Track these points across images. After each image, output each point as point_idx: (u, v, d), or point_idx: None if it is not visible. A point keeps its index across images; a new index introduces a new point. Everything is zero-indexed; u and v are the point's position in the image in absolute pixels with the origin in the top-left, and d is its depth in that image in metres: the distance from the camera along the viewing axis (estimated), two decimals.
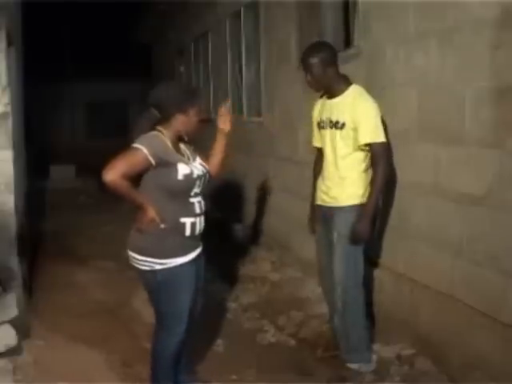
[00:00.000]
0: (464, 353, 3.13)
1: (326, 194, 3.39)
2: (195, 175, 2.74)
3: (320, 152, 3.53)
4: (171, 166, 2.67)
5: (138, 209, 2.69)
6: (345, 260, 3.29)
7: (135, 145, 2.64)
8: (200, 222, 2.80)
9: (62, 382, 3.25)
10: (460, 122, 3.09)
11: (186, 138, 2.88)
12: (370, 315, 3.64)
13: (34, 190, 9.18)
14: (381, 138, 3.19)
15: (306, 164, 4.42)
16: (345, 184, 3.30)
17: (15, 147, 4.42)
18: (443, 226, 3.28)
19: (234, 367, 3.43)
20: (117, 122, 18.37)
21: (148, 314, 2.91)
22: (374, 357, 3.46)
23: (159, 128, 2.75)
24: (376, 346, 3.57)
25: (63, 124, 19.49)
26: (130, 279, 4.71)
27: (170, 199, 2.70)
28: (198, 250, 2.87)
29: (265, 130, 6.08)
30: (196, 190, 2.78)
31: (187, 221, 2.73)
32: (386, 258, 3.88)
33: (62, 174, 11.96)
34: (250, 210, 6.80)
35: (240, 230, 6.72)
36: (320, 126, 3.45)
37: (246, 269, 5.35)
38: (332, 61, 3.28)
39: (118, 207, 5.88)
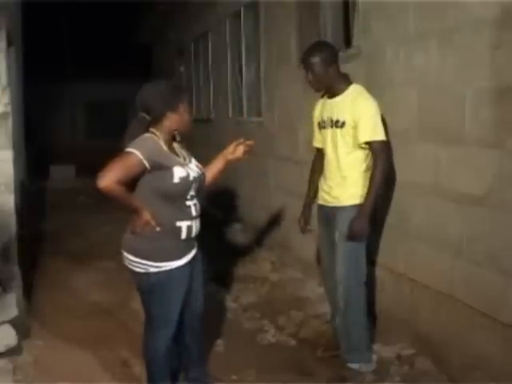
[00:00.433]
0: (464, 353, 3.13)
1: (328, 193, 3.40)
2: (191, 178, 2.70)
3: (319, 152, 3.54)
4: (167, 169, 2.62)
5: (133, 213, 2.66)
6: (347, 259, 3.30)
7: (128, 149, 2.59)
8: (196, 225, 2.78)
9: (61, 381, 3.25)
10: (460, 122, 3.09)
11: (178, 139, 2.84)
12: (370, 315, 3.63)
13: (33, 189, 9.20)
14: (380, 137, 3.19)
15: (305, 164, 4.41)
16: (346, 184, 3.30)
17: (15, 147, 4.42)
18: (443, 225, 3.28)
19: (234, 367, 3.43)
20: (117, 122, 18.33)
21: None
22: (374, 357, 3.46)
23: (152, 130, 2.70)
24: (376, 346, 3.57)
25: (63, 124, 19.52)
26: (129, 279, 4.70)
27: (166, 203, 2.66)
28: (194, 251, 2.85)
29: (265, 129, 6.08)
30: (192, 192, 2.74)
31: (183, 224, 2.70)
32: (385, 257, 3.89)
33: (62, 174, 11.97)
34: (249, 209, 6.81)
35: (240, 229, 6.73)
36: (321, 126, 3.46)
37: (246, 269, 5.34)
38: (333, 60, 3.29)
39: (118, 207, 5.87)
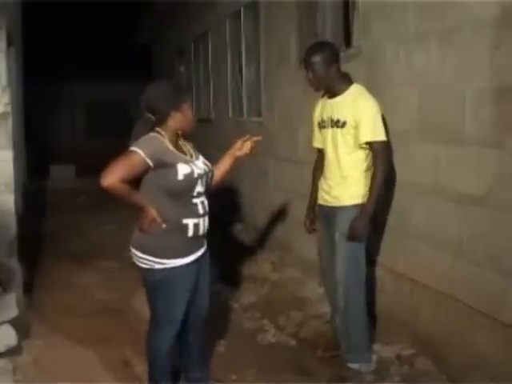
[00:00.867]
0: (464, 353, 3.13)
1: (328, 193, 3.40)
2: (196, 174, 2.71)
3: (321, 153, 3.54)
4: (170, 166, 2.65)
5: (138, 211, 2.68)
6: (347, 260, 3.30)
7: (132, 148, 2.63)
8: (204, 223, 2.79)
9: (61, 381, 3.25)
10: (460, 122, 3.09)
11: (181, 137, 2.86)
12: (370, 315, 3.64)
13: (33, 189, 9.20)
14: (381, 137, 3.19)
15: (305, 164, 4.42)
16: (347, 183, 3.30)
17: (15, 147, 4.42)
18: (443, 225, 3.28)
19: (234, 367, 3.43)
20: (117, 122, 18.38)
21: (148, 313, 2.91)
22: (374, 357, 3.46)
23: (157, 130, 2.74)
24: (376, 346, 3.57)
25: (63, 124, 19.52)
26: (129, 279, 4.72)
27: (172, 200, 2.68)
28: (202, 250, 2.87)
29: (265, 129, 6.08)
30: (199, 189, 2.75)
31: (190, 222, 2.71)
32: (385, 257, 3.89)
33: (62, 174, 11.97)
34: (249, 209, 6.81)
35: (240, 229, 6.73)
36: (321, 126, 3.46)
37: (247, 269, 5.35)
38: (334, 60, 3.29)
39: (118, 207, 5.87)
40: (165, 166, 2.64)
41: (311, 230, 3.66)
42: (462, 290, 3.15)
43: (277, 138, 5.84)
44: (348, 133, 3.25)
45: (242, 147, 3.05)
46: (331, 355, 3.54)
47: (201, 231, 2.78)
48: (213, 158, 3.04)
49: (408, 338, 3.58)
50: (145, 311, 2.96)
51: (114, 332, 3.96)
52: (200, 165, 2.80)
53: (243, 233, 6.64)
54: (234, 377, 3.34)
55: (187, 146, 2.86)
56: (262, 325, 4.10)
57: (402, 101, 3.60)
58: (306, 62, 3.32)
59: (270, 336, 3.92)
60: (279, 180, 5.89)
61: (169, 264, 2.69)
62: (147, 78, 13.51)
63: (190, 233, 2.72)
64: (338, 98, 3.31)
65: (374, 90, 3.39)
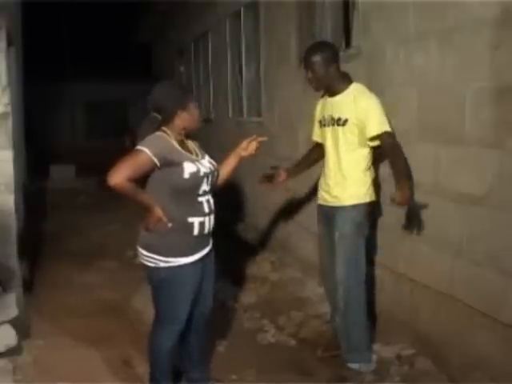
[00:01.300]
0: (464, 353, 3.13)
1: (328, 193, 3.40)
2: (202, 173, 2.72)
3: (318, 146, 3.55)
4: (177, 165, 2.66)
5: (144, 209, 2.69)
6: (347, 259, 3.30)
7: (138, 147, 2.65)
8: (209, 221, 2.80)
9: (61, 381, 3.25)
10: (460, 122, 3.09)
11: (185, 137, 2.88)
12: (370, 315, 3.64)
13: (33, 189, 9.19)
14: (388, 128, 3.20)
15: None
16: (346, 183, 3.31)
17: (15, 147, 4.42)
18: (443, 225, 3.28)
19: (234, 367, 3.43)
20: (116, 122, 18.37)
21: (150, 313, 2.91)
22: (374, 357, 3.46)
23: (163, 129, 2.77)
24: (376, 346, 3.57)
25: (63, 124, 19.48)
26: (130, 279, 4.73)
27: (178, 199, 2.69)
28: (207, 249, 2.87)
29: (265, 129, 6.08)
30: (204, 187, 2.77)
31: (195, 220, 2.72)
32: (385, 257, 3.88)
33: (62, 174, 11.95)
34: (250, 209, 6.81)
35: (240, 229, 6.73)
36: (322, 124, 3.47)
37: (247, 269, 5.35)
38: (334, 60, 3.30)
39: (118, 207, 5.89)
40: (171, 164, 2.66)
41: (264, 180, 3.79)
42: (462, 290, 3.15)
43: (277, 138, 5.83)
44: (349, 130, 3.25)
45: (248, 147, 3.06)
46: (331, 355, 3.54)
47: (206, 230, 2.79)
48: (213, 158, 3.04)
49: (408, 338, 3.58)
50: (146, 311, 2.97)
51: (115, 332, 3.96)
52: (206, 164, 2.81)
53: (243, 232, 6.64)
54: (234, 377, 3.35)
55: (193, 145, 2.88)
56: (262, 325, 4.10)
57: (402, 101, 3.60)
58: (306, 62, 3.33)
59: (270, 336, 3.92)
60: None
61: (174, 262, 2.70)
62: (147, 78, 13.54)
63: (196, 231, 2.73)
64: (338, 97, 3.32)
65: (374, 90, 3.39)
